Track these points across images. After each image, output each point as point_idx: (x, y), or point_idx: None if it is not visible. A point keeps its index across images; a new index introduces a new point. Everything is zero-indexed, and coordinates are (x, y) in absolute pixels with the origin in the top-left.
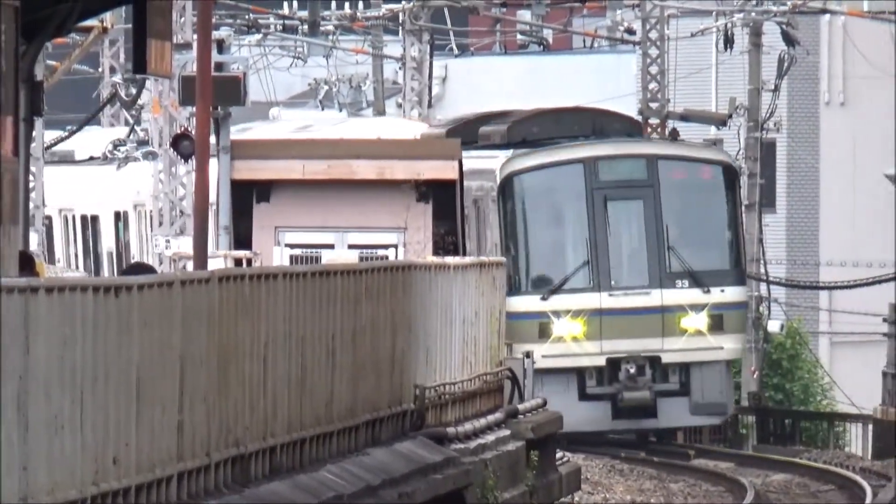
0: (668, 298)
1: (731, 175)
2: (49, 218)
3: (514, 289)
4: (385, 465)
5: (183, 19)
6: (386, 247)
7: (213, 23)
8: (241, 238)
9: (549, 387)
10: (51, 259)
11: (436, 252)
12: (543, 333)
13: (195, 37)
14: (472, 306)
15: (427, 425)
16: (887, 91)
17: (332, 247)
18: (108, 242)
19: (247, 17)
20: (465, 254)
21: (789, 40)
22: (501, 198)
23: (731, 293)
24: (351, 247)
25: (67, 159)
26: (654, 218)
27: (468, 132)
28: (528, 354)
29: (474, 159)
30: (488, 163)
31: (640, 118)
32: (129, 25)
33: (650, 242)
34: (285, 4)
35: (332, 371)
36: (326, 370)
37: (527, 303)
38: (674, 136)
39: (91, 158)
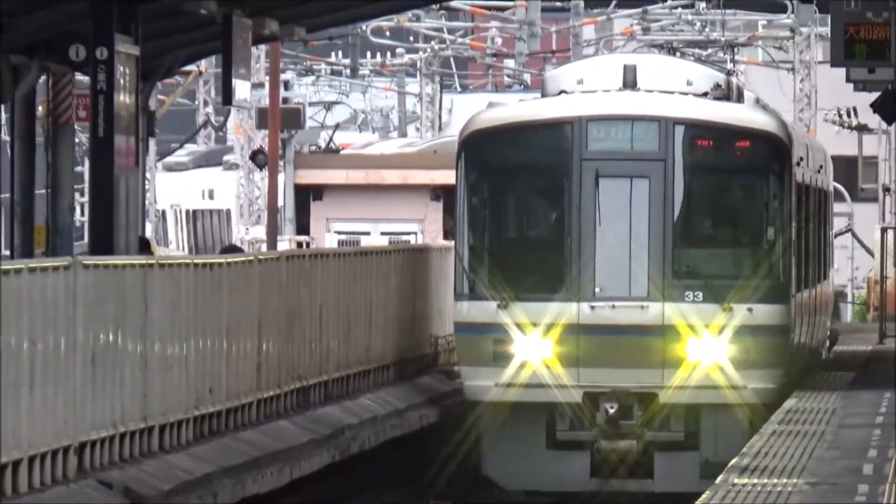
0: (672, 315)
1: (778, 151)
2: (163, 212)
3: (461, 291)
4: (408, 394)
5: (258, 65)
6: (409, 234)
7: (280, 67)
8: (302, 227)
9: (508, 430)
10: (165, 242)
11: (445, 238)
12: (500, 355)
13: (267, 78)
14: None
15: (439, 365)
16: None
17: (368, 234)
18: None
19: (305, 63)
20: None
21: None
22: (461, 163)
23: (762, 313)
24: (382, 234)
25: (175, 168)
26: (661, 204)
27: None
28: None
29: None
30: None
31: None
32: (219, 69)
33: (654, 237)
34: (333, 54)
35: (369, 326)
36: (365, 325)
37: (477, 311)
38: (721, 91)
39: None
